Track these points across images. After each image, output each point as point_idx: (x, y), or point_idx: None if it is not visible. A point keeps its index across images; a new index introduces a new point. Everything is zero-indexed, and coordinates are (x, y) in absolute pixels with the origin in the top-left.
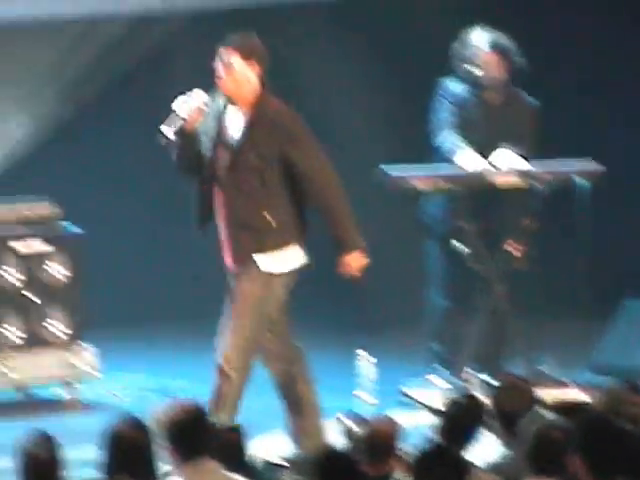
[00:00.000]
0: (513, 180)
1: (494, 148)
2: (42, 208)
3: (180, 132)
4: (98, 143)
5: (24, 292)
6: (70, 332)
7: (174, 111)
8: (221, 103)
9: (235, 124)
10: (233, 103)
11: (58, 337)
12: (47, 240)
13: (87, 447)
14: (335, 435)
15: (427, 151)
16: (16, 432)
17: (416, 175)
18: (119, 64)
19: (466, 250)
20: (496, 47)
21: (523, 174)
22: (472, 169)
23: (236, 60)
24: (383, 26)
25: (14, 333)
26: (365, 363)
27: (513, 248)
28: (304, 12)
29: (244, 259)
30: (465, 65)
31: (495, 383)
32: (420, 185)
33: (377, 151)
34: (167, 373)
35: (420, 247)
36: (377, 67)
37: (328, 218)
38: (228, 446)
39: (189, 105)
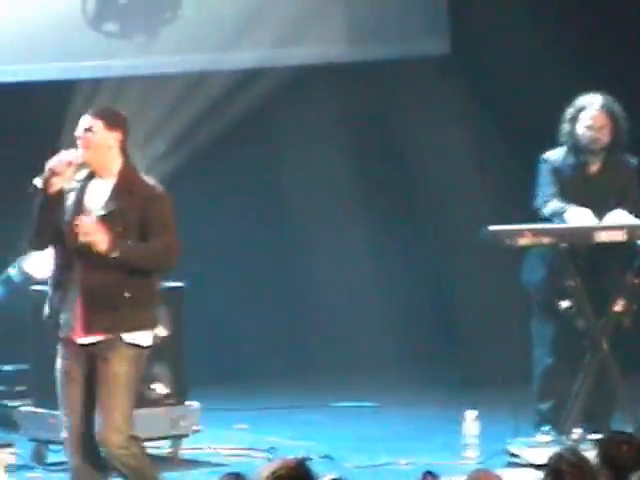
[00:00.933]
0: (619, 236)
1: (597, 213)
2: None
3: (45, 196)
4: (201, 196)
5: None
6: (173, 389)
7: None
8: (84, 174)
9: (97, 194)
10: (95, 173)
11: (161, 394)
12: None
13: None
14: None
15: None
16: None
17: (520, 230)
18: (221, 117)
19: (572, 308)
20: (606, 109)
21: (630, 230)
22: (578, 224)
23: (98, 127)
24: (493, 81)
25: None
26: (471, 421)
27: (620, 306)
28: (411, 66)
29: (103, 334)
30: (571, 127)
31: (604, 439)
32: (523, 241)
33: (484, 211)
34: (270, 430)
35: (526, 305)
36: (487, 125)
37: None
38: None
39: (59, 159)
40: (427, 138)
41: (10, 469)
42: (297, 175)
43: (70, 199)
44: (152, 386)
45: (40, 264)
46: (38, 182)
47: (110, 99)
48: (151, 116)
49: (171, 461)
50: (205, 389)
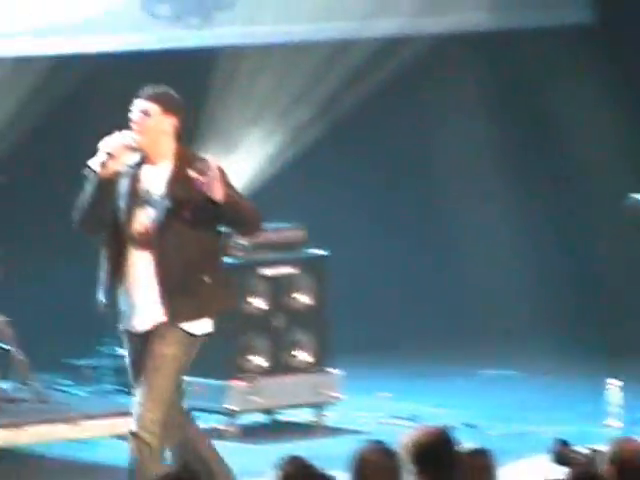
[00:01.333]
0: None
1: None
2: (288, 232)
3: (99, 179)
4: (343, 164)
5: (271, 317)
6: (316, 357)
7: (99, 149)
8: (135, 159)
9: (152, 181)
10: (146, 159)
11: (304, 362)
12: (293, 264)
13: (334, 472)
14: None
15: None
16: (264, 456)
17: None
18: (363, 86)
19: None
20: None
21: None
22: None
23: (154, 112)
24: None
25: (261, 358)
26: (615, 390)
27: None
28: (553, 35)
29: (174, 323)
30: None
31: None
32: None
33: (629, 179)
34: (414, 398)
35: None
36: (633, 95)
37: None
38: (476, 471)
39: (114, 141)
40: (570, 107)
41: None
42: (438, 143)
43: (123, 185)
44: (295, 353)
45: None
46: (94, 164)
47: (253, 67)
48: (293, 85)
49: (314, 429)
50: (349, 357)
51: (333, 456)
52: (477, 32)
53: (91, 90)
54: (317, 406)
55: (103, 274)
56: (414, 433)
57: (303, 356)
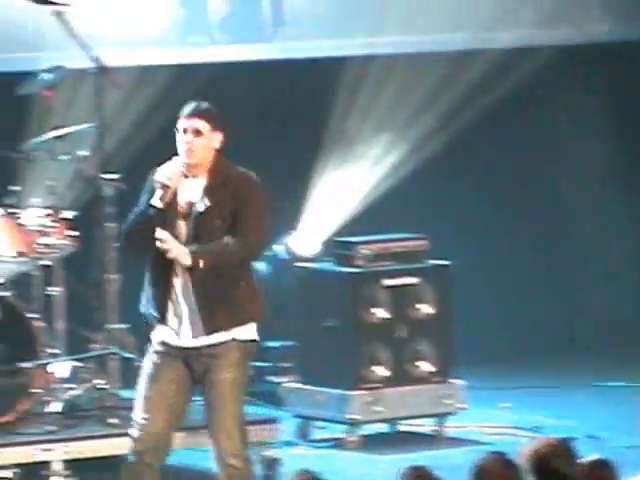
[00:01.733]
0: None
1: None
2: (411, 242)
3: (159, 211)
4: (468, 175)
5: (393, 327)
6: (438, 367)
7: (157, 183)
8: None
9: (190, 193)
10: (189, 172)
11: (426, 372)
12: (416, 274)
13: None
14: None
15: None
16: (386, 466)
17: None
18: (488, 97)
19: None
20: None
21: None
22: None
23: (205, 129)
24: None
25: (384, 368)
26: None
27: None
28: None
29: (221, 329)
30: None
31: None
32: None
33: None
34: (535, 409)
35: None
36: None
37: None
38: None
39: (169, 172)
40: None
41: (275, 445)
42: (565, 155)
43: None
44: (417, 364)
45: (306, 242)
46: (158, 203)
47: (378, 76)
48: (417, 95)
49: (435, 439)
50: (470, 367)
51: (454, 467)
52: (601, 43)
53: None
54: (439, 416)
55: (151, 288)
56: (534, 444)
57: (425, 366)
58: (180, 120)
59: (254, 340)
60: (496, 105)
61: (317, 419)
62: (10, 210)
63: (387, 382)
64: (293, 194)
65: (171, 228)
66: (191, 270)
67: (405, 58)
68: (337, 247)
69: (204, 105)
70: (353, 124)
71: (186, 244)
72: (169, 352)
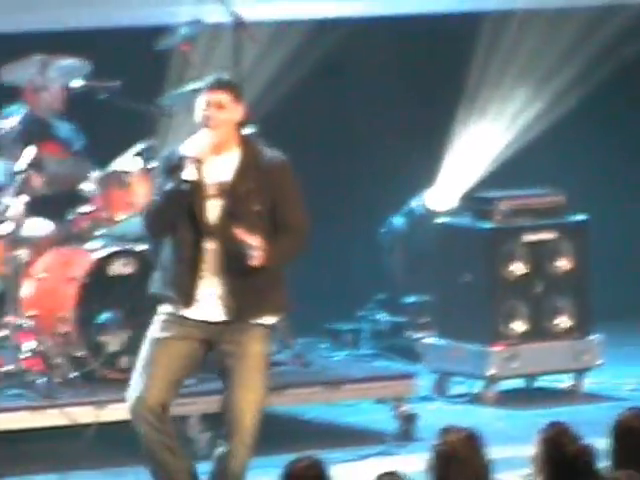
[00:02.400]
0: None
1: None
2: (550, 198)
3: (190, 187)
4: (599, 130)
5: (532, 283)
6: (576, 322)
7: (187, 157)
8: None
9: (219, 171)
10: (214, 148)
11: (564, 328)
12: (554, 230)
13: (593, 439)
14: None
15: None
16: (523, 422)
17: None
18: (625, 52)
19: None
20: None
21: None
22: None
23: (227, 102)
24: None
25: (522, 324)
26: None
27: None
28: None
29: (246, 316)
30: None
31: None
32: None
33: None
34: None
35: None
36: None
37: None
38: None
39: (198, 146)
40: None
41: (411, 400)
42: None
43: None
44: (555, 319)
45: (443, 197)
46: (191, 176)
47: (515, 32)
48: (555, 50)
49: (572, 395)
50: (609, 323)
51: (592, 422)
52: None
53: (347, 55)
54: (577, 372)
55: (176, 267)
56: None
57: (563, 322)
58: (202, 94)
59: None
60: (633, 60)
61: (454, 374)
62: (147, 165)
63: (525, 338)
64: (431, 149)
65: (200, 207)
66: (223, 252)
67: (543, 13)
68: (475, 202)
69: (225, 77)
70: (491, 79)
71: (219, 225)
72: (186, 325)
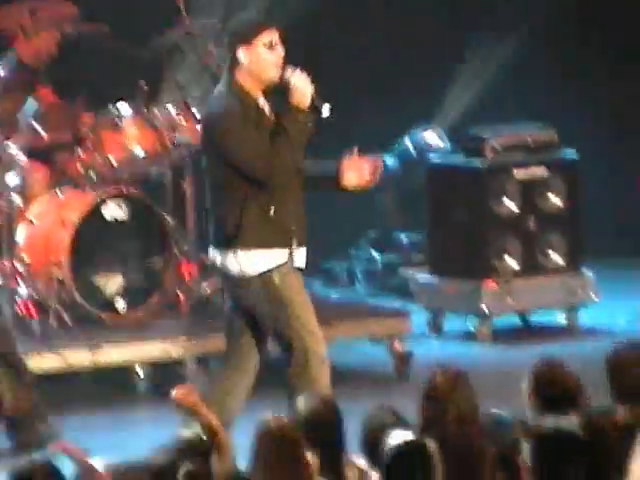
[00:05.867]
0: None
1: None
2: (541, 134)
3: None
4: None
5: (523, 219)
6: (569, 258)
7: (311, 94)
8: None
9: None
10: (258, 91)
11: (557, 264)
12: (546, 166)
13: (588, 373)
14: None
15: None
16: (517, 358)
17: None
18: None
19: None
20: None
21: None
22: None
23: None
24: None
25: (514, 260)
26: None
27: None
28: None
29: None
30: None
31: None
32: None
33: None
34: None
35: None
36: None
37: None
38: None
39: (305, 78)
40: None
41: (407, 338)
42: None
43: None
44: (548, 255)
45: (434, 135)
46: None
47: None
48: None
49: (567, 331)
50: (603, 259)
51: (586, 358)
52: None
53: None
54: (570, 308)
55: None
56: None
57: (556, 258)
58: (265, 32)
59: None
60: None
61: (448, 312)
62: (140, 107)
63: (518, 274)
64: (422, 88)
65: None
66: (296, 192)
67: None
68: (466, 140)
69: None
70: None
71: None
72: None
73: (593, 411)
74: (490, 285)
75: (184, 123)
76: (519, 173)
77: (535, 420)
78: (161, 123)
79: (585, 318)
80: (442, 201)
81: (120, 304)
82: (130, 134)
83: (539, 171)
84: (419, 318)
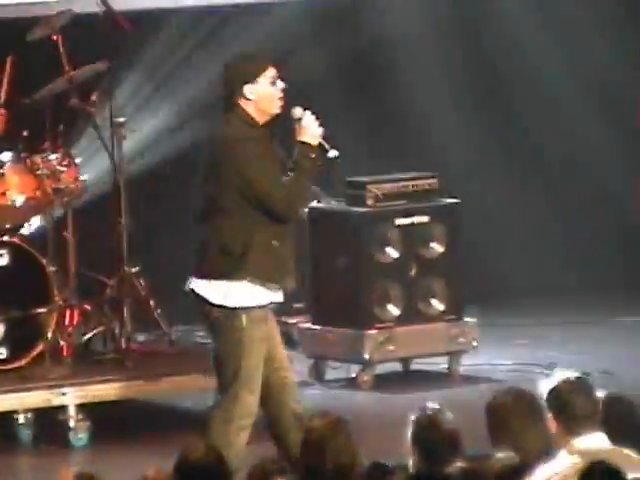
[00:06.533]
0: None
1: None
2: (423, 181)
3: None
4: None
5: (405, 266)
6: (450, 305)
7: (320, 135)
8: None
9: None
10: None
11: (438, 310)
12: (427, 213)
13: (469, 419)
14: None
15: None
16: (400, 405)
17: None
18: None
19: None
20: None
21: None
22: None
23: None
24: None
25: (395, 307)
26: None
27: None
28: None
29: None
30: None
31: None
32: None
33: None
34: (550, 345)
35: None
36: None
37: None
38: (613, 418)
39: (313, 121)
40: None
41: None
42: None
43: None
44: (429, 302)
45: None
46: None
47: None
48: None
49: (449, 377)
50: (484, 305)
51: (468, 404)
52: None
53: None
54: (452, 354)
55: (277, 252)
56: (551, 381)
57: (436, 304)
58: (268, 69)
59: None
60: None
61: (330, 359)
62: (21, 156)
63: (399, 321)
64: None
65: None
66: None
67: None
68: (348, 187)
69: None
70: None
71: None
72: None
73: (472, 457)
74: (371, 332)
75: (65, 171)
76: (400, 220)
77: (416, 467)
78: (42, 171)
79: (466, 364)
80: (325, 248)
81: (1, 352)
82: (11, 182)
83: (420, 218)
84: (303, 365)
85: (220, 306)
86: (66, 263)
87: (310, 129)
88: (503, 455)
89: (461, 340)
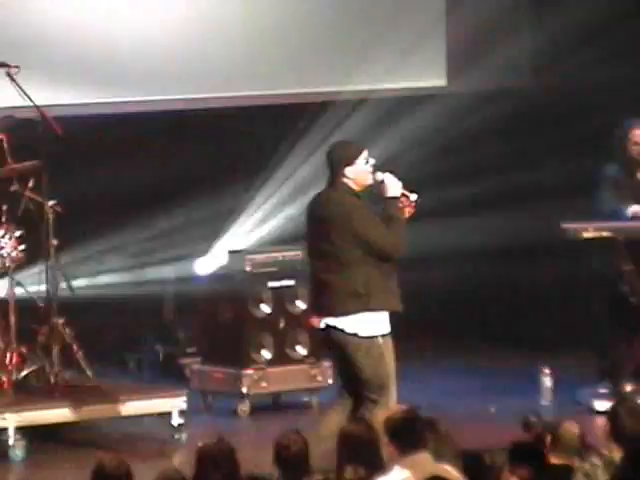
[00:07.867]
0: None
1: None
2: (289, 253)
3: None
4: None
5: (275, 320)
6: (311, 351)
7: (401, 187)
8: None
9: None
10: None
11: (302, 355)
12: (293, 278)
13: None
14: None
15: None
16: (272, 429)
17: (585, 226)
18: None
19: (626, 288)
20: None
21: None
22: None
23: None
24: None
25: (268, 352)
26: (546, 376)
27: None
28: None
29: None
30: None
31: None
32: (587, 234)
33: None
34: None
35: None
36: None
37: None
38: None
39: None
40: None
41: (182, 413)
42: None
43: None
44: (294, 348)
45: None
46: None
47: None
48: None
49: (309, 409)
50: None
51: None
52: None
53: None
54: (311, 390)
55: (387, 282)
56: (388, 410)
57: (301, 350)
58: (362, 153)
59: None
60: None
61: (216, 393)
62: None
63: (271, 363)
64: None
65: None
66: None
67: None
68: (232, 256)
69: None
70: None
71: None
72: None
73: (326, 470)
74: (249, 372)
75: (8, 243)
76: (272, 283)
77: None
78: None
79: (323, 398)
80: (211, 305)
81: None
82: None
83: (288, 282)
84: (194, 398)
85: (355, 335)
86: (8, 316)
87: (392, 185)
88: (352, 469)
89: (319, 378)
